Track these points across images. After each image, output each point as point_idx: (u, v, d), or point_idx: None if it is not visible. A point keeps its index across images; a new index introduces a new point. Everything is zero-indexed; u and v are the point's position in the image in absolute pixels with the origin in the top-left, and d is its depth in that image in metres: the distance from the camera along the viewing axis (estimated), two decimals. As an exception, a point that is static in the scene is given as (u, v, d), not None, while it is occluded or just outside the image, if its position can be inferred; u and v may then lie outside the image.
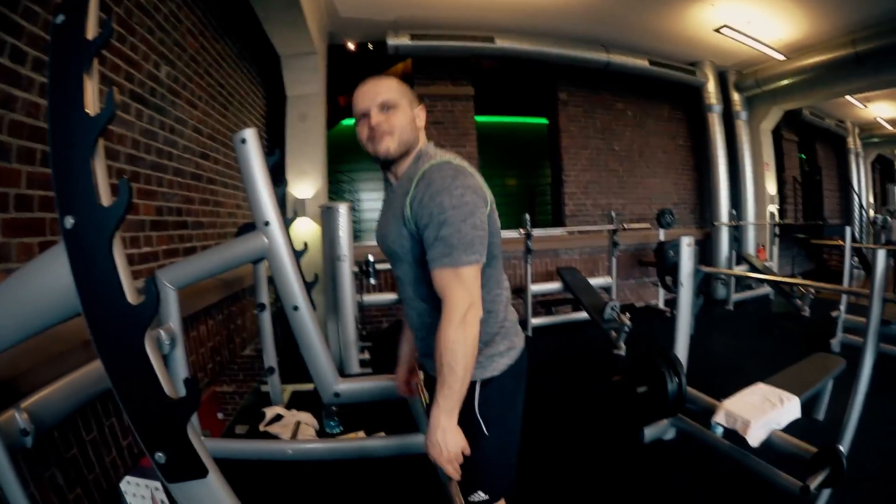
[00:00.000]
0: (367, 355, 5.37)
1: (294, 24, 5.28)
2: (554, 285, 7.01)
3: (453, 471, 1.48)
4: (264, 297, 3.96)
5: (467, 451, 1.49)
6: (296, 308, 2.85)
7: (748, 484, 2.91)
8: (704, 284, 8.37)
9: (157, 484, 2.05)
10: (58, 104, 1.01)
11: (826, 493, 2.58)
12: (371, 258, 5.23)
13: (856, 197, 13.53)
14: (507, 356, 1.69)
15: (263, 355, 4.10)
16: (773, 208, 9.32)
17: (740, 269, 8.10)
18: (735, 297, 8.14)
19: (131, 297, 1.00)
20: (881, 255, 2.78)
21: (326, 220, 4.63)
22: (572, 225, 8.41)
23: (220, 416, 3.94)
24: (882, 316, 2.77)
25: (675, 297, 3.58)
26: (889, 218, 9.91)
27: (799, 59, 7.82)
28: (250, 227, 3.86)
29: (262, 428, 3.73)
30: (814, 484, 2.41)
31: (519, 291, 6.79)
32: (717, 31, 7.17)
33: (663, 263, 4.80)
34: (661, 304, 8.05)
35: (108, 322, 1.02)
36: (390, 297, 6.12)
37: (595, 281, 7.14)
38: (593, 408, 4.20)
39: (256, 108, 6.18)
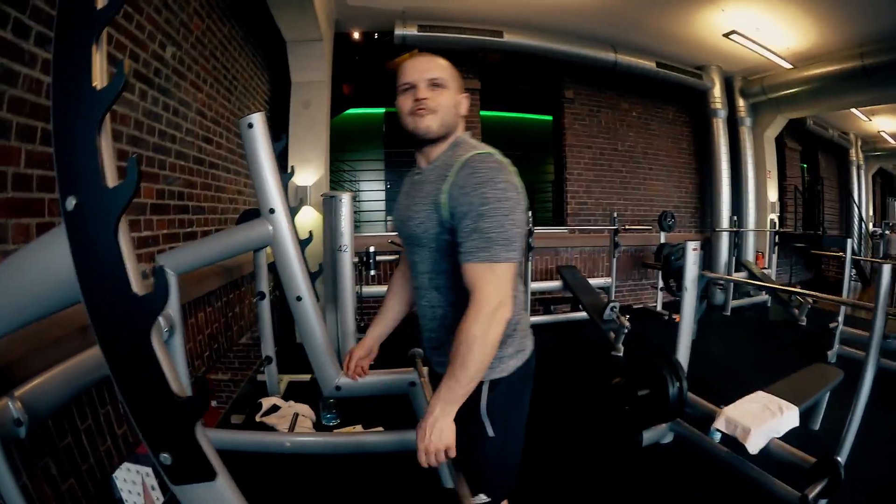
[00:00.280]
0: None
1: (301, 9, 5.24)
2: (554, 284, 7.00)
3: (425, 461, 1.44)
4: (264, 285, 3.90)
5: (452, 453, 1.44)
6: (299, 298, 2.78)
7: (745, 491, 2.90)
8: (704, 289, 8.31)
9: (148, 469, 1.99)
10: (62, 76, 0.93)
11: (823, 503, 2.57)
12: (372, 249, 5.16)
13: (856, 209, 13.51)
14: (516, 358, 1.65)
15: (261, 344, 4.04)
16: (773, 216, 9.30)
17: (740, 276, 8.08)
18: (733, 303, 8.14)
19: (137, 286, 0.92)
20: (886, 270, 2.85)
21: (328, 209, 4.56)
22: (573, 224, 8.37)
23: (213, 403, 3.89)
24: (884, 330, 2.80)
25: (678, 301, 3.56)
26: (888, 231, 9.91)
27: (806, 69, 7.81)
28: (253, 213, 3.81)
29: (258, 418, 3.67)
30: (812, 494, 2.41)
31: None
32: (726, 36, 7.15)
33: (668, 267, 4.78)
34: (658, 307, 8.04)
35: (111, 313, 0.94)
36: (389, 289, 6.06)
37: (594, 281, 7.14)
38: (591, 409, 4.18)
39: (260, 94, 6.10)
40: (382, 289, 6.06)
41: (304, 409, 3.79)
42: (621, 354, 5.64)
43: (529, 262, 6.56)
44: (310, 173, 6.09)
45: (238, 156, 5.04)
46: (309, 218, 5.90)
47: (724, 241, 8.77)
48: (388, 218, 8.21)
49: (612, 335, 5.78)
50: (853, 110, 10.46)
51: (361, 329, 5.71)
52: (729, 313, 7.98)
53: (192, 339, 3.53)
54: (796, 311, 7.18)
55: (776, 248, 8.93)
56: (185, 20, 3.80)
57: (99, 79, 0.92)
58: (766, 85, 8.53)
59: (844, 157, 13.44)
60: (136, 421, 0.98)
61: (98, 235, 0.92)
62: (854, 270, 8.07)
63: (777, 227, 9.18)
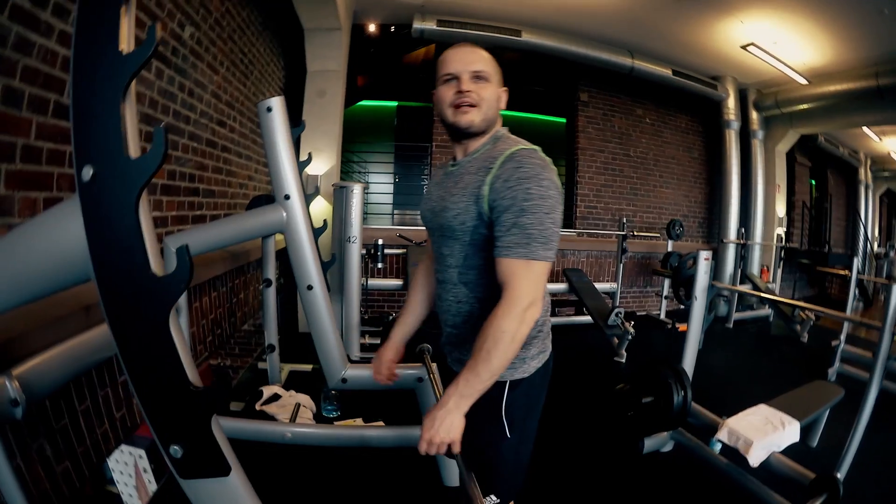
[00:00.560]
0: (367, 340, 5.29)
1: (321, -4, 5.18)
2: (559, 286, 6.94)
3: (425, 451, 1.39)
4: (271, 272, 3.85)
5: (455, 448, 1.39)
6: (310, 287, 2.74)
7: (743, 503, 2.91)
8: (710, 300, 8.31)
9: (141, 452, 1.94)
10: (85, 38, 0.86)
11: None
12: (380, 242, 5.12)
13: (862, 228, 13.46)
14: (537, 359, 1.63)
15: (265, 332, 3.99)
16: (780, 231, 9.28)
17: (745, 288, 8.04)
18: (735, 315, 8.07)
19: (156, 266, 0.86)
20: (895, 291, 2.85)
21: (338, 199, 4.52)
22: (582, 227, 8.33)
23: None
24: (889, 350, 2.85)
25: (682, 310, 3.57)
26: (893, 252, 9.87)
27: (820, 85, 7.74)
28: (263, 199, 3.77)
29: (258, 407, 3.64)
30: (811, 509, 2.45)
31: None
32: (744, 48, 7.11)
33: (679, 275, 4.75)
34: (662, 315, 7.99)
35: (126, 294, 0.88)
36: (395, 282, 6.05)
37: (600, 286, 7.11)
38: (591, 413, 4.17)
39: (275, 80, 6.04)
40: (388, 282, 6.06)
41: (305, 400, 3.75)
42: (624, 361, 5.62)
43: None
44: (322, 162, 6.05)
45: (251, 141, 4.99)
46: (318, 207, 5.85)
47: (731, 253, 8.73)
48: (396, 212, 8.17)
49: (616, 341, 5.74)
50: (865, 129, 10.38)
51: (365, 321, 5.71)
52: (731, 325, 7.92)
53: (196, 324, 3.48)
54: (798, 327, 7.15)
55: (782, 262, 8.87)
56: (205, 1, 3.74)
57: (126, 43, 0.85)
58: (780, 99, 8.46)
59: (853, 176, 13.36)
60: (146, 410, 0.92)
61: (116, 209, 0.85)
62: (857, 290, 8.05)
63: (784, 242, 9.16)
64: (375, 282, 6.03)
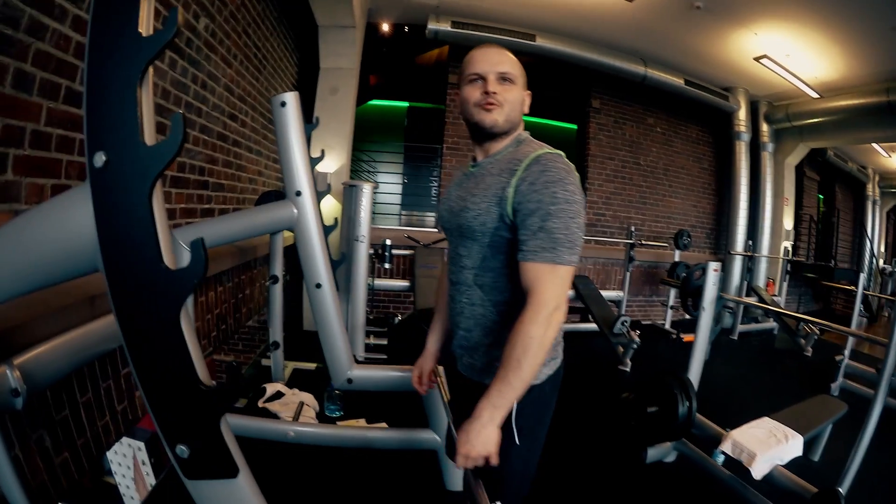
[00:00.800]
0: (372, 340, 5.26)
1: (337, -7, 5.16)
2: (566, 292, 6.88)
3: (462, 465, 1.39)
4: (278, 268, 3.82)
5: (494, 461, 1.38)
6: (318, 286, 2.71)
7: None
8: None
9: (140, 444, 1.92)
10: (104, 18, 0.83)
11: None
12: (388, 242, 5.09)
13: (868, 244, 13.40)
14: (549, 366, 1.63)
15: (269, 329, 3.95)
16: (787, 244, 9.25)
17: (751, 300, 8.00)
18: (740, 327, 8.02)
19: (169, 259, 0.82)
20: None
21: (348, 198, 4.49)
22: (589, 234, 8.24)
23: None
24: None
25: (688, 321, 3.56)
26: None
27: (832, 100, 7.74)
28: (273, 195, 3.74)
29: (261, 404, 3.61)
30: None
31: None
32: (757, 59, 7.11)
33: (687, 286, 4.71)
34: (667, 325, 7.93)
35: (136, 288, 0.84)
36: (401, 283, 6.02)
37: (606, 293, 7.06)
38: (594, 421, 4.14)
39: (288, 76, 6.03)
40: (394, 282, 6.04)
41: (308, 399, 3.73)
42: (628, 370, 5.58)
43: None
44: (332, 160, 6.02)
45: (261, 136, 4.96)
46: (327, 205, 5.82)
47: (738, 265, 8.72)
48: (403, 213, 8.14)
49: (621, 349, 5.69)
50: (874, 145, 10.41)
51: (371, 321, 5.68)
52: (736, 337, 7.88)
53: (201, 318, 3.45)
54: (803, 341, 7.11)
55: (788, 276, 8.84)
56: (221, -8, 3.72)
57: (145, 25, 0.82)
58: (790, 112, 8.46)
59: (861, 191, 13.32)
60: (153, 407, 0.88)
61: (129, 198, 0.82)
62: (862, 305, 8.03)
63: (790, 256, 9.12)
64: (382, 282, 6.00)
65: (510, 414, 1.51)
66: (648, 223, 8.82)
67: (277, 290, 3.86)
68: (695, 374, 3.53)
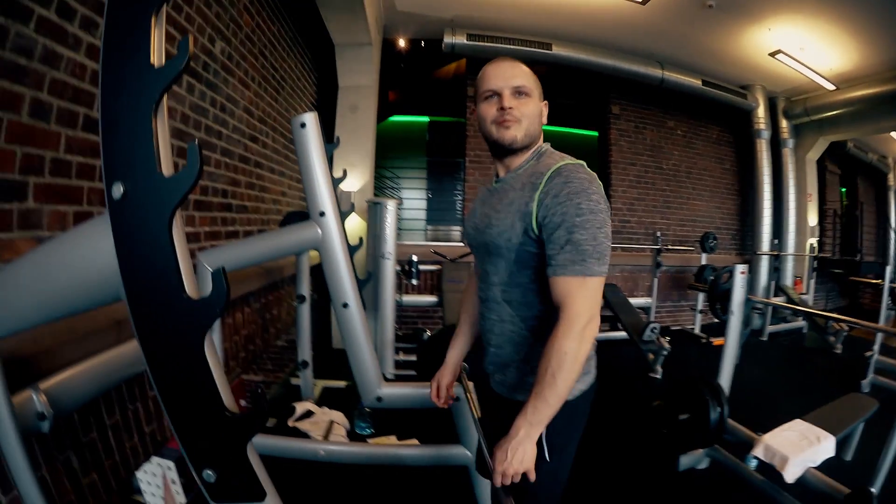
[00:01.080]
0: (401, 356, 5.25)
1: (352, 12, 5.22)
2: (594, 302, 6.83)
3: (500, 483, 1.38)
4: (305, 288, 3.83)
5: (531, 477, 1.38)
6: (345, 305, 2.71)
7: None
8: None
9: (170, 463, 1.92)
10: (114, 51, 0.83)
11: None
12: (415, 258, 5.09)
13: (893, 235, 13.16)
14: (582, 382, 1.60)
15: (298, 348, 3.97)
16: (813, 241, 9.14)
17: (779, 300, 7.88)
18: (770, 328, 7.91)
19: (191, 289, 0.82)
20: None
21: (372, 215, 4.50)
22: (615, 241, 8.15)
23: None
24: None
25: (717, 325, 3.52)
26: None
27: (848, 91, 7.70)
28: (297, 216, 3.75)
29: (290, 423, 3.61)
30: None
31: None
32: (772, 55, 7.07)
33: (715, 289, 4.66)
34: (696, 330, 7.85)
35: (159, 317, 0.84)
36: (429, 299, 6.01)
37: (634, 300, 6.99)
38: (627, 430, 4.09)
39: (307, 95, 6.07)
40: (422, 298, 6.03)
41: (338, 417, 3.72)
42: (659, 376, 5.53)
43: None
44: (355, 178, 6.04)
45: (283, 156, 5.00)
46: (352, 223, 5.84)
47: (764, 265, 8.60)
48: (429, 227, 8.14)
49: (651, 356, 5.63)
50: (893, 134, 10.32)
51: (399, 338, 5.67)
52: (766, 338, 7.79)
53: (229, 339, 3.48)
54: (832, 338, 7.03)
55: (814, 273, 8.71)
56: (235, 16, 3.76)
57: (156, 56, 0.82)
58: (808, 106, 8.41)
59: (883, 182, 13.05)
60: (179, 433, 0.87)
61: (148, 229, 0.81)
62: (890, 299, 7.90)
63: (816, 252, 9.01)
64: (410, 298, 6.00)
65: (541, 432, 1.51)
66: (673, 227, 8.75)
67: (305, 310, 3.87)
68: (725, 378, 3.48)
